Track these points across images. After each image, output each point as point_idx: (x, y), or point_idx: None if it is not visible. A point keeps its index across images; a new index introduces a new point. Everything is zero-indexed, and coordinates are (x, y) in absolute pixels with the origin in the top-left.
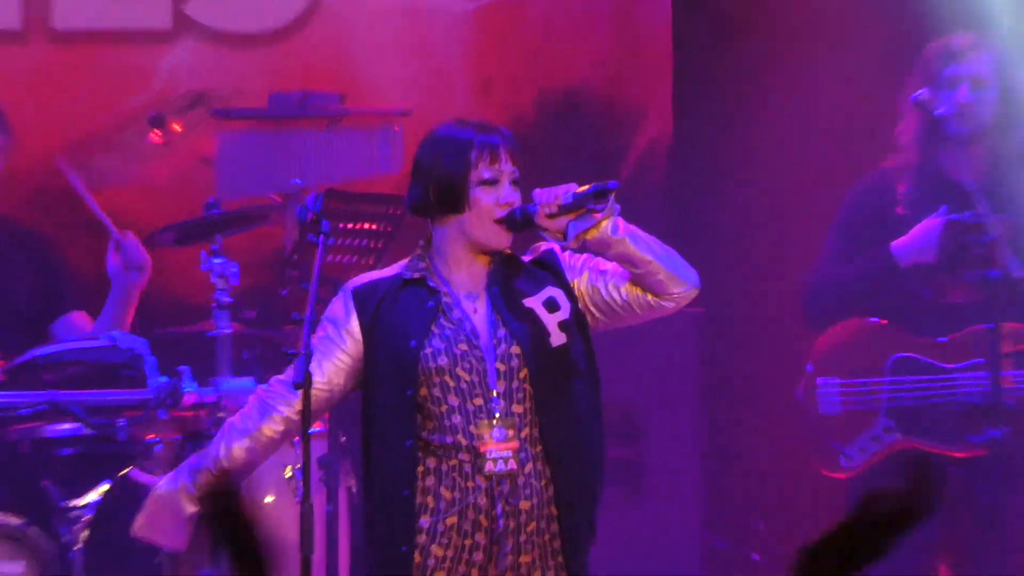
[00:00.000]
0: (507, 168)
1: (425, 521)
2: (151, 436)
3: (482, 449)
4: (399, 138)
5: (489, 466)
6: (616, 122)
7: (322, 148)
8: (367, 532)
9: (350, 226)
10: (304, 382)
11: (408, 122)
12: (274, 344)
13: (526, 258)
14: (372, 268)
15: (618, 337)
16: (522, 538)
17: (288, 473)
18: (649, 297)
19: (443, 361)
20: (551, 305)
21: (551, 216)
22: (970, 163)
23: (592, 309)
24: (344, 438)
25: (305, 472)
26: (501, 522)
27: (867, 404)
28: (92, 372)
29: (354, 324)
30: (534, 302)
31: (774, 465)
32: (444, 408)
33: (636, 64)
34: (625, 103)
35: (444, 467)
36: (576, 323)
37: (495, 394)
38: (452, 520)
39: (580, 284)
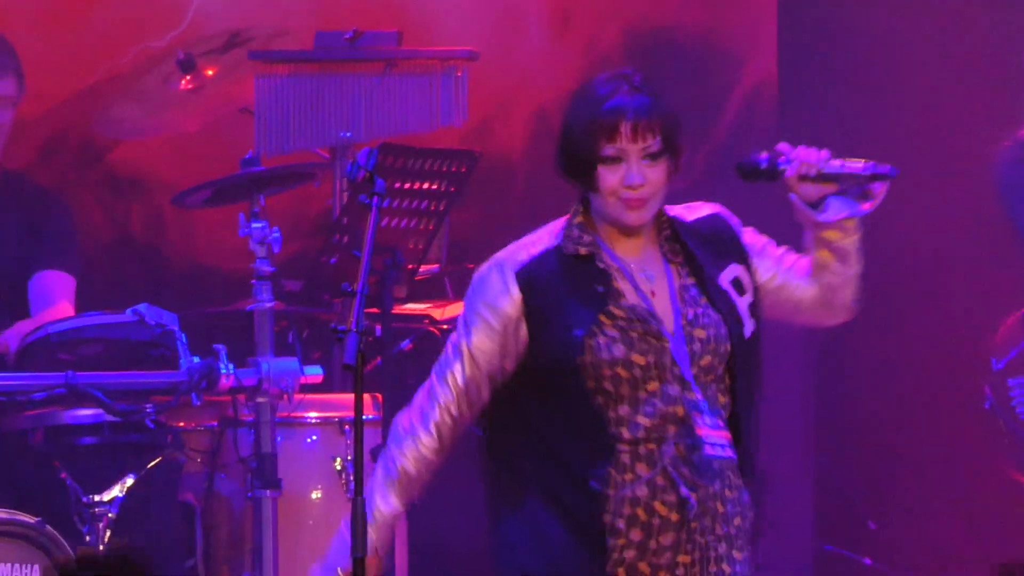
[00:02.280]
0: (632, 145)
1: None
2: (183, 423)
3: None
4: (463, 84)
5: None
6: (715, 65)
7: (376, 96)
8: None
9: (407, 186)
10: (356, 363)
11: (474, 66)
12: (321, 322)
13: (688, 218)
14: (433, 234)
15: None
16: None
17: (338, 465)
18: (822, 305)
19: (618, 352)
20: (738, 286)
21: (804, 179)
22: None
23: (766, 301)
24: None
25: (357, 464)
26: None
27: None
28: (115, 351)
29: (517, 308)
30: (724, 281)
31: (888, 464)
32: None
33: (736, 1)
34: (724, 44)
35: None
36: (758, 309)
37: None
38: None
39: (762, 271)
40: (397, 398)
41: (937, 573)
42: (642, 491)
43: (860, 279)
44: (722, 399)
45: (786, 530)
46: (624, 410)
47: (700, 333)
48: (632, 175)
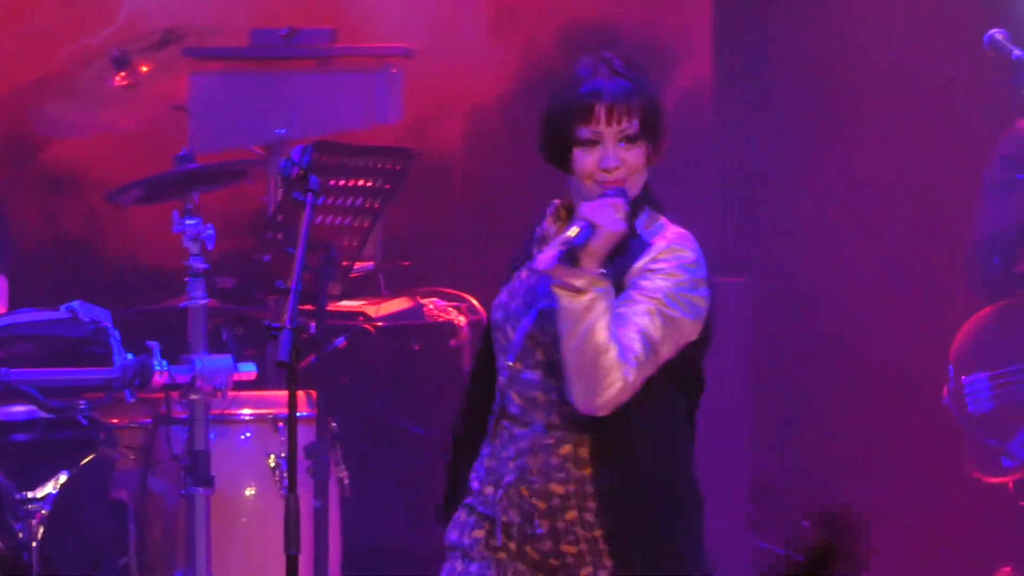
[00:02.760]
0: (607, 128)
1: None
2: (116, 420)
3: None
4: (399, 82)
5: None
6: (651, 64)
7: (310, 93)
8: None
9: (342, 183)
10: (290, 360)
11: (411, 64)
12: (255, 320)
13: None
14: (368, 231)
15: None
16: None
17: (272, 463)
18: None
19: None
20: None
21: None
22: None
23: None
24: (335, 424)
25: (291, 462)
26: None
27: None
28: (49, 348)
29: None
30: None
31: (828, 458)
32: None
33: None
34: (660, 43)
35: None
36: None
37: None
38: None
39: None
40: (331, 395)
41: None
42: None
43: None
44: None
45: (721, 527)
46: None
47: None
48: (607, 158)
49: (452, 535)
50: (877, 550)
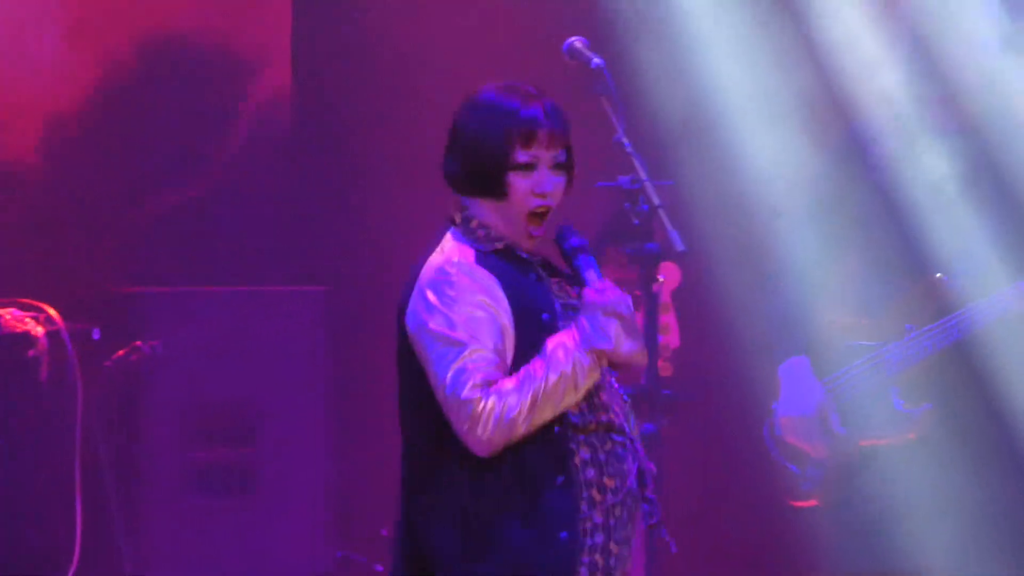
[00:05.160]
0: (546, 153)
1: (599, 517)
2: None
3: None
4: None
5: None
6: (231, 72)
7: None
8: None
9: None
10: None
11: None
12: None
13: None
14: None
15: (230, 323)
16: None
17: None
18: None
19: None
20: None
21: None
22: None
23: None
24: None
25: None
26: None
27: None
28: None
29: (502, 294)
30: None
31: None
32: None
33: (252, 5)
34: (240, 51)
35: (601, 455)
36: None
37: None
38: (619, 512)
39: None
40: None
41: None
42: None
43: None
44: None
45: (301, 536)
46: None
47: None
48: (545, 182)
49: None
50: None
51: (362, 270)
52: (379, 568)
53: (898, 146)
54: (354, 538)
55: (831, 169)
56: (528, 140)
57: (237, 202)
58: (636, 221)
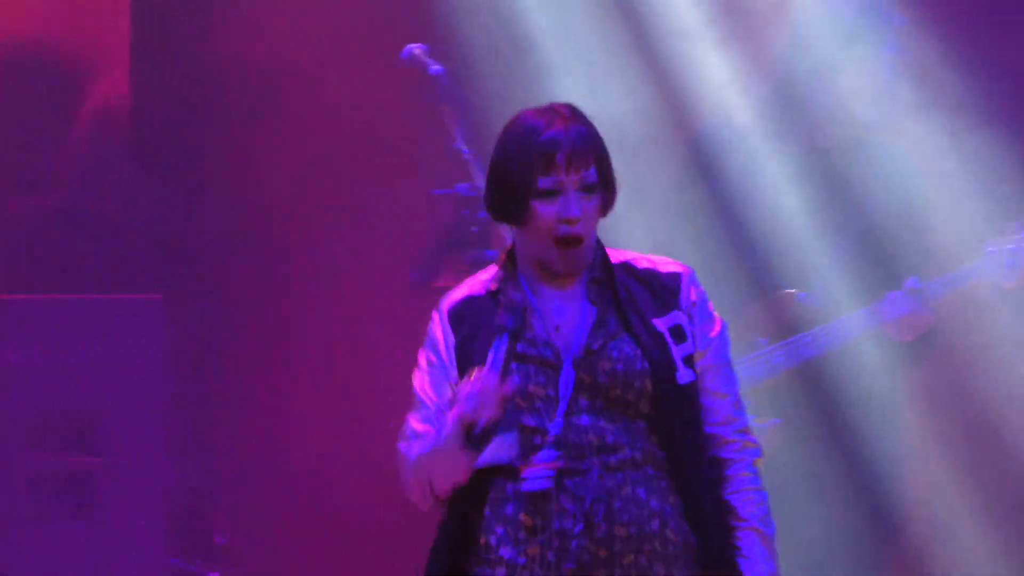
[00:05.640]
0: (569, 177)
1: (506, 552)
2: None
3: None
4: None
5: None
6: (68, 77)
7: None
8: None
9: None
10: None
11: None
12: None
13: (642, 265)
14: None
15: (67, 330)
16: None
17: None
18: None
19: (512, 383)
20: (677, 334)
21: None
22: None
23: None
24: None
25: None
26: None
27: None
28: None
29: (452, 349)
30: (661, 325)
31: (244, 473)
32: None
33: (89, 8)
34: (75, 58)
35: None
36: (693, 363)
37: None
38: (534, 550)
39: (699, 357)
40: None
41: None
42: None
43: None
44: (653, 438)
45: (137, 544)
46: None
47: (606, 364)
48: (570, 207)
49: None
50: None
51: (202, 278)
52: (213, 575)
53: (744, 159)
54: (191, 546)
55: (676, 179)
56: (548, 166)
57: (75, 210)
58: (475, 228)
